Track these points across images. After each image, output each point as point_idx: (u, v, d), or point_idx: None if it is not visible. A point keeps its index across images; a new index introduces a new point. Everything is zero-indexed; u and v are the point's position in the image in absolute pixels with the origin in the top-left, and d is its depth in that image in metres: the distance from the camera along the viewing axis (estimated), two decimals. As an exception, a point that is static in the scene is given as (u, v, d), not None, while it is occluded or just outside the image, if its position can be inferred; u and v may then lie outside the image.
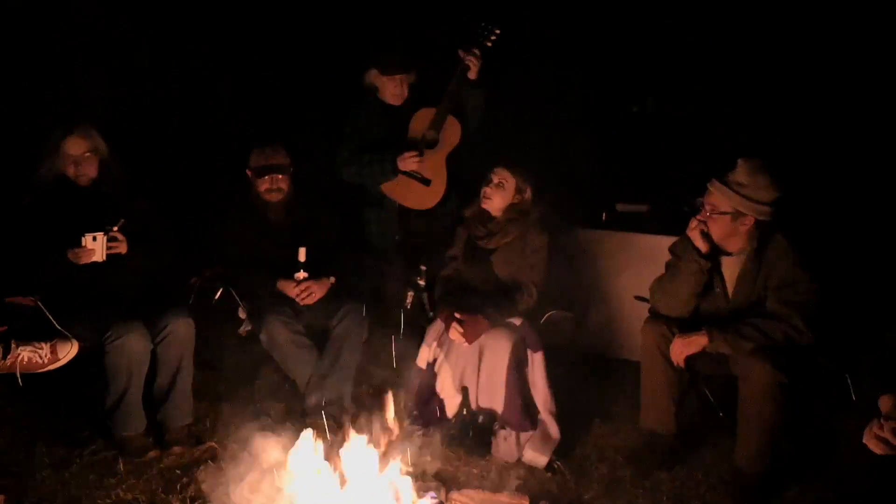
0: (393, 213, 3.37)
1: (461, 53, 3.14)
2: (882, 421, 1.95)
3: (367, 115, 3.35)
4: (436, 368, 2.92)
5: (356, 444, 2.36)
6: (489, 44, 3.13)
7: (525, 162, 3.03)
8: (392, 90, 3.30)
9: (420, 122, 3.27)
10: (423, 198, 3.31)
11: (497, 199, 2.98)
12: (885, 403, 2.02)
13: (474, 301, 2.90)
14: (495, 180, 2.98)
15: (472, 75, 3.16)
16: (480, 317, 2.82)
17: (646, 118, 4.85)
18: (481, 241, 3.02)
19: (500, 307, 2.85)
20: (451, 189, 3.31)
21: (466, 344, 2.81)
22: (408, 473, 2.43)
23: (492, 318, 2.82)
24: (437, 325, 2.95)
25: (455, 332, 2.82)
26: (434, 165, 3.26)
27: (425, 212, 3.34)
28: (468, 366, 2.85)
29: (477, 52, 3.12)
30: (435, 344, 2.93)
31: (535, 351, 2.82)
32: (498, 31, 3.12)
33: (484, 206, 3.01)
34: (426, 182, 3.28)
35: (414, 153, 3.19)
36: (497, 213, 3.01)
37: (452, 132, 3.26)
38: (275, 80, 4.49)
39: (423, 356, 2.97)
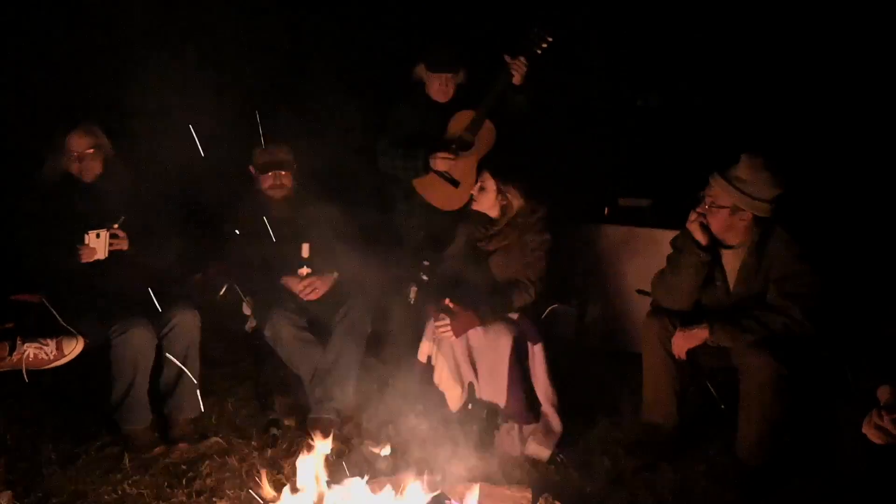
0: (420, 209, 3.36)
1: (507, 58, 3.12)
2: (881, 411, 1.97)
3: (411, 107, 3.36)
4: (433, 362, 2.94)
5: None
6: (539, 51, 3.11)
7: (511, 165, 3.01)
8: (437, 87, 3.28)
9: (458, 123, 3.25)
10: (450, 199, 3.30)
11: (482, 201, 2.99)
12: (883, 394, 2.03)
13: (468, 297, 2.90)
14: (478, 184, 2.99)
15: (516, 81, 3.14)
16: (471, 311, 2.83)
17: (649, 112, 4.85)
18: (481, 243, 3.03)
19: (494, 305, 2.86)
20: None
21: (453, 337, 2.83)
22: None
23: (483, 315, 2.83)
24: None
25: (442, 326, 2.83)
26: (465, 168, 3.23)
27: (452, 212, 3.32)
28: (461, 358, 2.87)
29: (524, 58, 3.10)
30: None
31: (534, 343, 2.83)
32: (550, 39, 3.09)
33: (475, 207, 3.02)
34: (455, 183, 3.26)
35: (447, 153, 3.18)
36: (494, 214, 3.01)
37: (488, 136, 3.24)
38: (285, 76, 4.48)
39: (424, 350, 2.99)
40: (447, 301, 2.83)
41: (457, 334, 2.83)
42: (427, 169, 3.24)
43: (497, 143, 3.26)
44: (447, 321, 2.82)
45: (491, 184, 2.96)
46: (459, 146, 3.23)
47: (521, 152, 3.33)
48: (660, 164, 4.35)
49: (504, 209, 2.98)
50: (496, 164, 3.03)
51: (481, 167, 3.22)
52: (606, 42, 4.59)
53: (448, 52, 3.30)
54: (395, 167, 3.33)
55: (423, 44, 3.38)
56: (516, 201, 2.96)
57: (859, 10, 4.03)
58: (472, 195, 3.03)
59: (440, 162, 3.20)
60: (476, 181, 3.02)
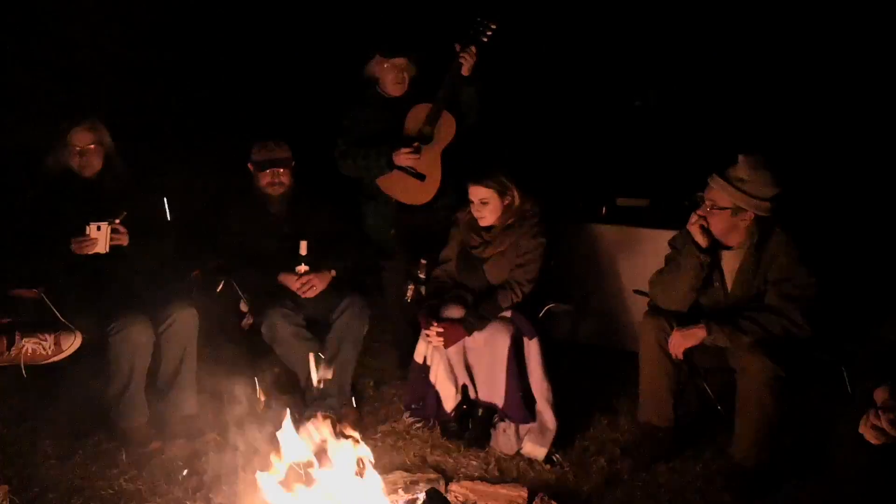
0: (389, 207, 3.36)
1: (458, 47, 3.13)
2: (878, 411, 1.97)
3: (366, 107, 3.35)
4: (428, 361, 2.94)
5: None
6: (485, 39, 3.11)
7: (492, 164, 2.98)
8: (392, 78, 3.28)
9: (416, 117, 3.26)
10: (418, 193, 3.30)
11: (489, 214, 2.95)
12: (879, 395, 2.04)
13: (461, 304, 2.91)
14: (476, 200, 2.94)
15: (464, 72, 3.14)
16: (458, 326, 2.84)
17: (647, 112, 4.85)
18: (475, 251, 3.03)
19: (481, 313, 2.86)
20: (447, 184, 3.31)
21: (443, 347, 2.86)
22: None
23: (470, 327, 2.84)
24: None
25: (434, 338, 2.85)
26: (429, 161, 3.25)
27: (421, 206, 3.33)
28: (455, 359, 2.88)
29: (473, 48, 3.11)
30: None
31: (530, 338, 2.84)
32: (494, 27, 3.10)
33: (482, 224, 2.98)
34: (420, 177, 3.27)
35: (410, 149, 3.18)
36: (498, 221, 2.99)
37: (447, 128, 3.24)
38: (276, 75, 4.50)
39: (421, 350, 2.99)
40: (435, 324, 2.86)
41: (447, 346, 2.86)
42: (391, 166, 3.23)
43: (459, 137, 3.25)
44: (438, 334, 2.85)
45: (491, 192, 2.92)
46: (421, 140, 3.22)
47: (484, 145, 3.32)
48: (657, 164, 4.35)
49: (508, 207, 2.96)
50: (474, 170, 2.98)
51: (446, 172, 3.23)
52: (605, 42, 4.60)
53: (402, 36, 3.31)
54: (357, 167, 3.30)
55: (374, 38, 3.37)
56: (517, 193, 2.94)
57: (857, 8, 4.03)
58: (475, 216, 2.98)
59: (403, 157, 3.19)
60: (471, 199, 2.96)
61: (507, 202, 2.94)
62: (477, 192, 2.93)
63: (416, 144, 3.19)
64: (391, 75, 3.27)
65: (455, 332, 2.85)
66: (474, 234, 3.03)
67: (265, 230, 3.15)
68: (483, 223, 2.98)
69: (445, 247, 3.13)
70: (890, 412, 1.96)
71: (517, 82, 4.09)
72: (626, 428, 2.97)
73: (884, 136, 3.93)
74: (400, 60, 3.26)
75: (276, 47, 4.48)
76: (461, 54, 3.11)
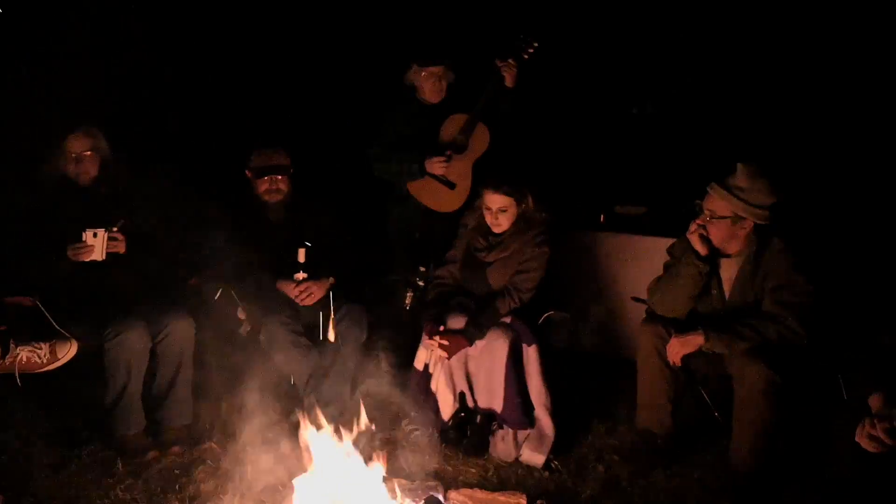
0: (416, 212, 3.40)
1: (497, 62, 3.18)
2: (874, 419, 1.98)
3: (404, 112, 3.40)
4: (430, 369, 2.94)
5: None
6: (526, 56, 3.17)
7: (504, 171, 3.00)
8: (430, 86, 3.33)
9: (451, 126, 3.31)
10: (446, 201, 3.34)
11: (506, 222, 2.96)
12: (875, 402, 2.04)
13: (460, 315, 2.91)
14: (494, 208, 2.95)
15: (508, 83, 3.19)
16: (460, 337, 2.85)
17: (645, 120, 4.87)
18: (480, 254, 3.04)
19: (482, 321, 2.87)
20: (476, 195, 3.32)
21: (446, 359, 2.86)
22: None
23: (472, 336, 2.85)
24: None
25: (436, 348, 2.86)
26: (460, 170, 3.29)
27: (448, 214, 3.35)
28: (455, 365, 2.88)
29: (512, 60, 3.15)
30: (431, 346, 2.95)
31: (529, 344, 2.84)
32: (536, 44, 3.16)
33: (496, 231, 2.99)
34: (451, 186, 3.31)
35: (442, 157, 3.24)
36: (510, 227, 3.00)
37: (481, 139, 3.29)
38: (275, 81, 4.50)
39: (421, 357, 2.99)
40: (437, 337, 2.87)
41: (449, 356, 2.86)
42: (423, 172, 3.26)
43: (491, 146, 3.29)
44: (442, 346, 2.85)
45: (509, 202, 2.93)
46: (454, 149, 3.26)
47: (515, 156, 3.35)
48: (655, 172, 4.37)
49: (522, 214, 2.96)
50: (495, 177, 2.99)
51: (477, 182, 3.23)
52: (602, 50, 4.62)
53: (436, 44, 3.36)
54: (390, 171, 3.37)
55: (412, 47, 3.42)
56: (531, 199, 2.95)
57: (855, 18, 4.06)
58: (490, 222, 2.99)
59: (436, 165, 3.25)
60: (489, 205, 2.96)
61: (522, 209, 2.96)
62: (496, 201, 2.94)
63: (448, 153, 3.23)
64: (428, 83, 3.33)
65: (457, 342, 2.85)
66: (480, 238, 3.05)
67: (263, 237, 3.15)
68: (498, 230, 2.99)
69: (454, 247, 3.14)
70: (885, 421, 1.97)
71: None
72: (624, 435, 2.97)
73: (881, 144, 3.95)
74: (436, 68, 3.31)
75: (276, 53, 4.49)
76: (502, 66, 3.15)
